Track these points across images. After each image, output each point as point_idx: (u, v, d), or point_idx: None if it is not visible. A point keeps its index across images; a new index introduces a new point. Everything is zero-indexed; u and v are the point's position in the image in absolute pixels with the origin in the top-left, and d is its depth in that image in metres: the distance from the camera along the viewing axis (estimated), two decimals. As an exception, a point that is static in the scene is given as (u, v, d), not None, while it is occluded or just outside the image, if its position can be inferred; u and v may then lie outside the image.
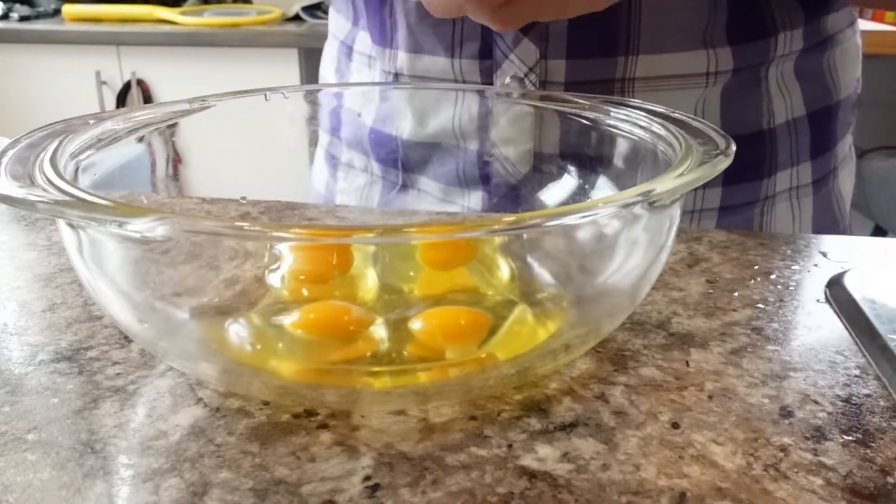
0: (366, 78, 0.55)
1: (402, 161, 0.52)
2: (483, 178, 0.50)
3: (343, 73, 0.58)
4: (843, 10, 0.52)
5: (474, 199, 0.51)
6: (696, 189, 0.46)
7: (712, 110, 0.48)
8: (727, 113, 0.48)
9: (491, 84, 0.48)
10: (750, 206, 0.51)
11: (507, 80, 0.47)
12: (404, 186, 0.53)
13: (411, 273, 0.33)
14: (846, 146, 0.56)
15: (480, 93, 0.45)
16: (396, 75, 0.51)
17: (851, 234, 0.57)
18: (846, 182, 0.56)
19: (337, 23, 0.58)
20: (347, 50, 0.57)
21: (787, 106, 0.50)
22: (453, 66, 0.48)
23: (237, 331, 0.30)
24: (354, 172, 0.55)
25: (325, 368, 0.28)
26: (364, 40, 0.55)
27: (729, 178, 0.49)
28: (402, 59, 0.50)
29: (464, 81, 0.49)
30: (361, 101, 0.50)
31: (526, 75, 0.47)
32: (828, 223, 0.54)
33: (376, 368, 0.27)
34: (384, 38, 0.51)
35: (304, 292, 0.33)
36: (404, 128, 0.51)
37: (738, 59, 0.47)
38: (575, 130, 0.38)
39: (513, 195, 0.49)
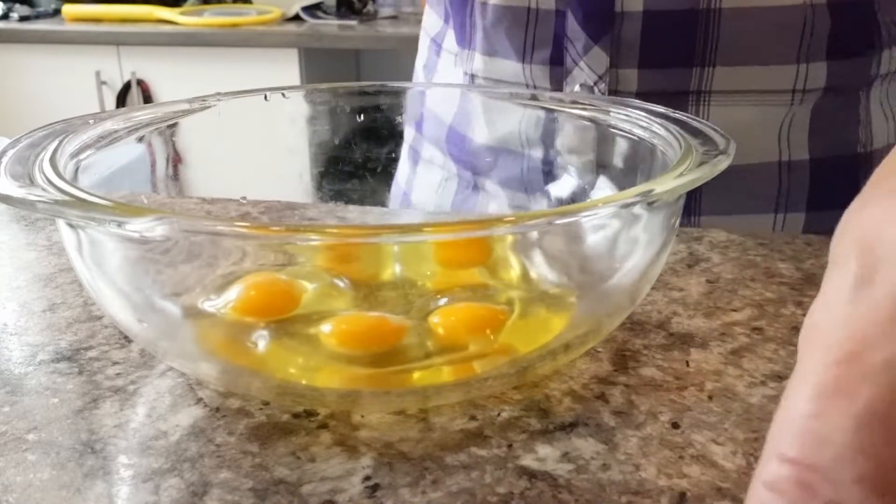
0: (450, 76, 0.55)
1: (472, 162, 0.53)
2: (547, 184, 0.50)
3: (430, 69, 0.58)
4: None
5: (540, 205, 0.51)
6: (779, 209, 0.45)
7: (799, 131, 0.46)
8: (816, 135, 0.46)
9: (561, 90, 0.47)
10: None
11: (577, 87, 0.47)
12: (476, 187, 0.54)
13: (426, 272, 0.33)
14: None
15: (535, 97, 0.44)
16: (472, 77, 0.52)
17: None
18: None
19: (429, 18, 0.59)
20: (437, 47, 0.57)
21: (888, 130, 0.47)
22: (524, 70, 0.49)
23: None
24: (433, 168, 0.56)
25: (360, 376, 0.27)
26: (451, 39, 0.55)
27: (816, 204, 0.46)
28: (478, 61, 0.51)
29: (535, 86, 0.49)
30: (441, 100, 0.51)
31: (595, 83, 0.46)
32: None
33: (401, 367, 0.27)
34: (464, 39, 0.52)
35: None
36: (476, 130, 0.51)
37: (833, 76, 0.44)
38: (580, 130, 0.38)
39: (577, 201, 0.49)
